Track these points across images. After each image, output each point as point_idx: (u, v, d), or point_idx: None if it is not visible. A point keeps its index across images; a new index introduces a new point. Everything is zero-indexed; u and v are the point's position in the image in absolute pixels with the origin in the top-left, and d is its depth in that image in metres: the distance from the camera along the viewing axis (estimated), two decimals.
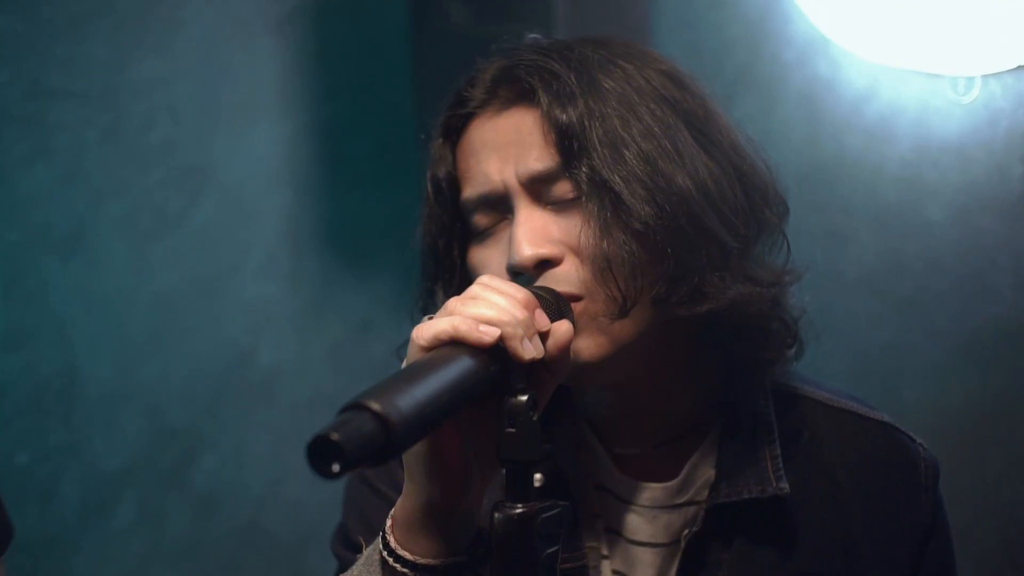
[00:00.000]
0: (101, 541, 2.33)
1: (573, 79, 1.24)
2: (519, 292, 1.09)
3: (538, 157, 1.23)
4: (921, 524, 1.34)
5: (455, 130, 1.32)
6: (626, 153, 1.20)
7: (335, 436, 0.86)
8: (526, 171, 1.23)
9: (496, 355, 1.04)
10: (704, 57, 2.40)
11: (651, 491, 1.31)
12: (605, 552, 1.32)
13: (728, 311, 1.22)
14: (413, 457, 1.09)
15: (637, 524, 1.31)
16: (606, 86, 1.24)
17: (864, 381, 2.30)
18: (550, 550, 1.05)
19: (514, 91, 1.27)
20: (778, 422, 1.33)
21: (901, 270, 2.26)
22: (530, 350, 1.05)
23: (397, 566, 1.11)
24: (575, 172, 1.21)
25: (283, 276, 2.64)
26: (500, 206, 1.26)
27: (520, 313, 1.06)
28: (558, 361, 1.11)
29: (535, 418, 1.06)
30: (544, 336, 1.09)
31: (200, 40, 2.47)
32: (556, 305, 1.16)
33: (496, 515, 1.04)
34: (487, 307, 1.05)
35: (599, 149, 1.20)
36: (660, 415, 1.32)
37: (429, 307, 1.37)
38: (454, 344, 1.04)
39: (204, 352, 2.50)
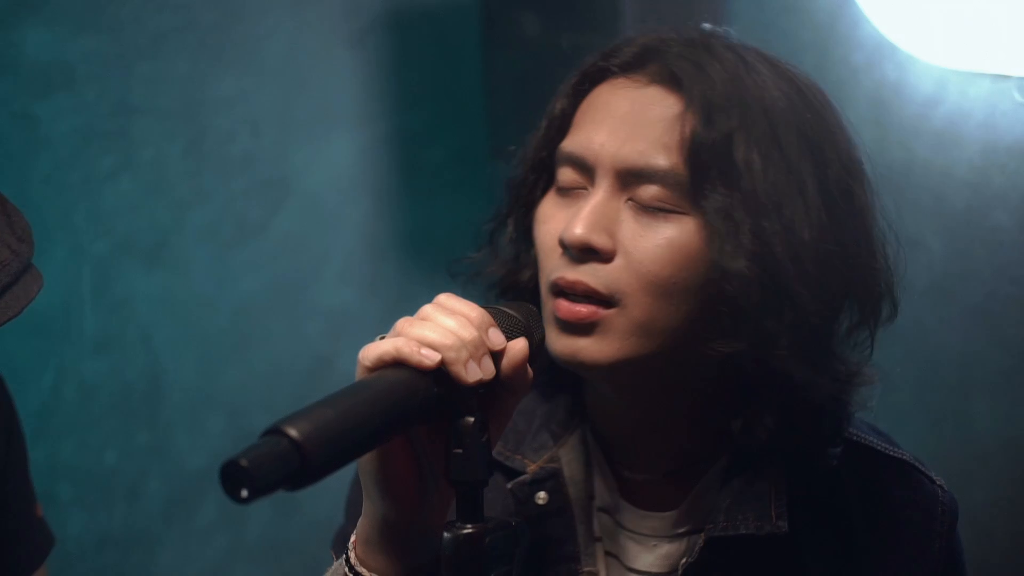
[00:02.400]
0: (185, 538, 2.42)
1: (731, 92, 1.16)
2: (473, 311, 1.07)
3: (643, 152, 1.15)
4: (933, 570, 1.28)
5: (591, 78, 1.25)
6: (757, 190, 1.14)
7: (244, 462, 0.86)
8: (624, 160, 1.16)
9: (440, 378, 1.03)
10: None
11: (652, 520, 1.28)
12: None
13: (789, 390, 1.17)
14: (365, 475, 1.09)
15: (636, 552, 1.28)
16: (762, 112, 1.16)
17: (932, 390, 2.28)
18: (500, 571, 1.04)
19: (663, 73, 1.19)
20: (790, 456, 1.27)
21: (970, 276, 2.22)
22: (475, 373, 1.03)
23: None
24: (698, 190, 1.14)
25: (362, 283, 2.71)
26: (588, 173, 1.19)
27: (467, 334, 1.04)
28: (513, 379, 1.09)
29: (484, 440, 1.05)
30: (500, 355, 1.08)
31: (278, 55, 2.55)
32: (523, 323, 1.14)
33: (445, 535, 1.04)
34: (431, 329, 1.03)
35: (733, 178, 1.14)
36: (669, 443, 1.28)
37: (498, 235, 1.33)
38: (398, 366, 1.03)
39: (285, 357, 2.57)
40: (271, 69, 2.55)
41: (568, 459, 1.30)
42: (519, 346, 1.09)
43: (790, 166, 1.15)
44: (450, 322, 1.05)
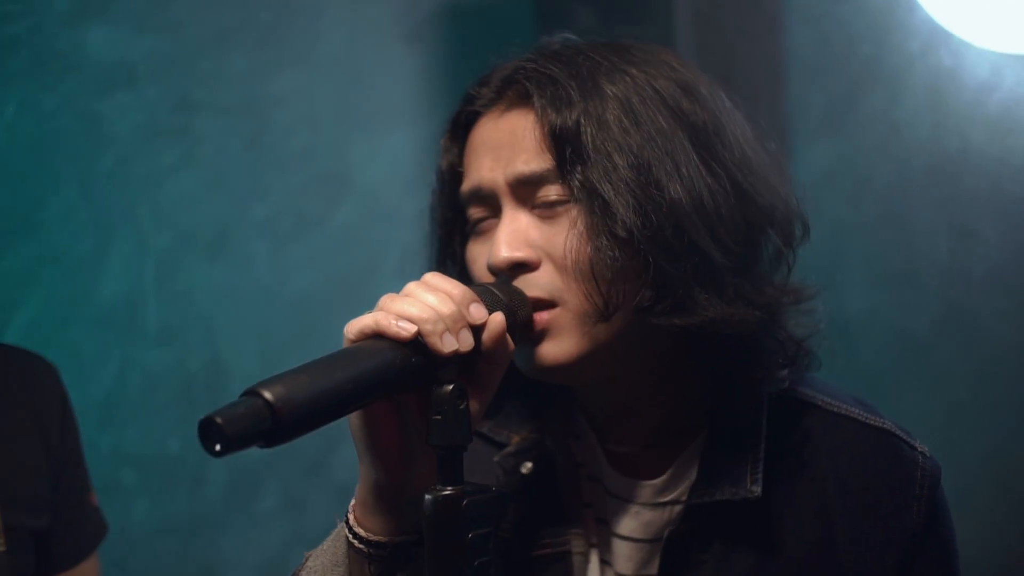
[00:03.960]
0: (246, 525, 2.48)
1: (574, 84, 1.25)
2: (455, 288, 1.13)
3: (526, 160, 1.25)
4: (912, 534, 1.30)
5: (462, 126, 1.35)
6: (619, 160, 1.21)
7: (218, 419, 0.94)
8: (513, 173, 1.25)
9: (419, 348, 1.09)
10: (832, 50, 2.39)
11: (637, 488, 1.33)
12: (594, 540, 1.34)
13: (712, 327, 1.22)
14: (356, 440, 1.15)
15: (622, 518, 1.33)
16: (609, 92, 1.25)
17: (991, 380, 2.25)
18: (479, 532, 1.08)
19: (517, 94, 1.29)
20: (769, 427, 1.32)
21: None
22: (450, 344, 1.09)
23: (355, 542, 1.17)
24: (567, 176, 1.23)
25: (419, 275, 2.72)
26: (491, 203, 1.28)
27: (446, 309, 1.10)
28: (494, 351, 1.15)
29: (463, 407, 1.10)
30: (481, 329, 1.13)
31: (337, 51, 2.60)
32: (507, 298, 1.19)
33: (426, 496, 1.09)
34: (411, 304, 1.10)
35: (592, 155, 1.22)
36: (651, 416, 1.33)
37: None
38: (378, 337, 1.09)
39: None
40: (330, 65, 2.59)
41: (552, 430, 1.36)
42: (497, 320, 1.15)
43: (649, 133, 1.23)
44: (430, 298, 1.11)
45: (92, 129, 2.28)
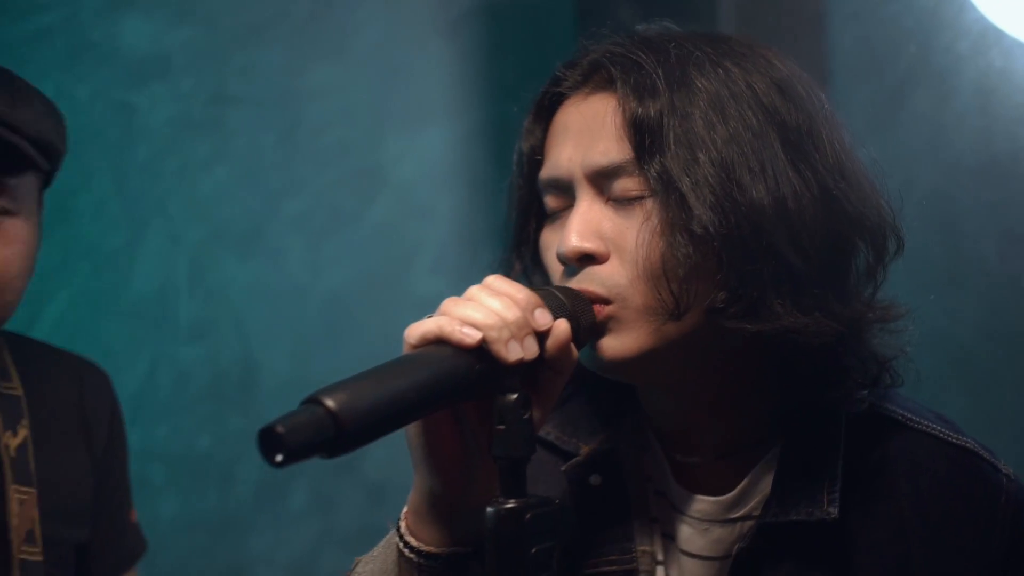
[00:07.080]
0: (276, 523, 2.46)
1: (661, 73, 1.19)
2: (519, 292, 1.09)
3: (604, 151, 1.20)
4: (993, 561, 1.24)
5: (547, 108, 1.29)
6: (701, 156, 1.16)
7: (280, 428, 0.90)
8: (591, 163, 1.21)
9: (482, 356, 1.05)
10: (878, 50, 2.33)
11: (704, 504, 1.28)
12: (660, 558, 1.30)
13: (785, 335, 1.17)
14: (413, 448, 1.12)
15: (689, 535, 1.29)
16: (699, 84, 1.19)
17: None
18: (542, 546, 1.05)
19: (603, 79, 1.24)
20: (847, 442, 1.26)
21: None
22: (515, 352, 1.06)
23: (405, 551, 1.15)
24: (644, 167, 1.18)
25: (455, 273, 2.71)
26: (568, 191, 1.23)
27: (511, 315, 1.06)
28: (558, 360, 1.11)
29: (526, 417, 1.06)
30: (545, 336, 1.10)
31: (373, 45, 2.57)
32: (570, 304, 1.15)
33: (488, 509, 1.06)
34: (475, 309, 1.06)
35: (672, 147, 1.17)
36: (721, 426, 1.28)
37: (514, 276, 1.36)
38: (441, 344, 1.05)
39: (376, 346, 2.55)
40: (365, 59, 2.56)
41: (621, 442, 1.32)
42: (562, 327, 1.11)
43: (737, 130, 1.18)
44: (495, 303, 1.07)
45: (125, 121, 2.26)
